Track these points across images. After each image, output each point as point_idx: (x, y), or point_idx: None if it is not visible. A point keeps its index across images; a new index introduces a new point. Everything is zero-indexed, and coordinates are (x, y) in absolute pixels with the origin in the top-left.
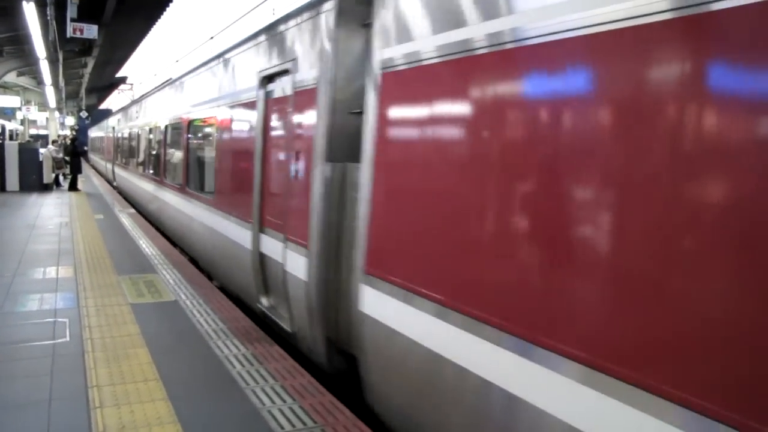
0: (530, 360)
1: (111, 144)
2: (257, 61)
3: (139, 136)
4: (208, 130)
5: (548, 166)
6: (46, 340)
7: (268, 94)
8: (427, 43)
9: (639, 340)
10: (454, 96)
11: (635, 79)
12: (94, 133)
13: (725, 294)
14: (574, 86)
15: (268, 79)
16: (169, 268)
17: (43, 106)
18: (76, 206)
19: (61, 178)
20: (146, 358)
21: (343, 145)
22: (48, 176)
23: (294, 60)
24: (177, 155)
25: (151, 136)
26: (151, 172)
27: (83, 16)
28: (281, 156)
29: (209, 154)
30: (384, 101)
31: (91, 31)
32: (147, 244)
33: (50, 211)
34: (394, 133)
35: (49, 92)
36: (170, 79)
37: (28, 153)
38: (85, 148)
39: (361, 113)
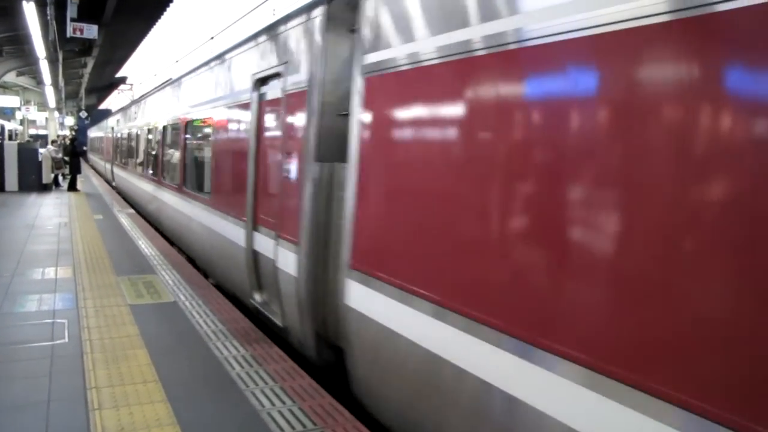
0: (501, 348)
1: (110, 144)
2: (251, 63)
3: (137, 136)
4: (204, 130)
5: (511, 167)
6: (44, 341)
7: (261, 96)
8: (404, 49)
9: (621, 338)
10: (429, 99)
11: (602, 85)
12: (93, 133)
13: (718, 295)
14: (530, 90)
15: (262, 81)
16: (169, 269)
17: (42, 106)
18: (75, 206)
19: (60, 178)
20: (145, 359)
21: (332, 146)
22: (47, 176)
23: (286, 63)
24: (174, 155)
25: (149, 136)
26: (149, 172)
27: (83, 16)
28: (273, 156)
29: (205, 154)
30: (366, 104)
31: (91, 31)
32: (146, 245)
33: (49, 211)
34: (376, 134)
35: (49, 92)
36: (168, 80)
37: (28, 153)
38: (84, 148)
39: (348, 115)
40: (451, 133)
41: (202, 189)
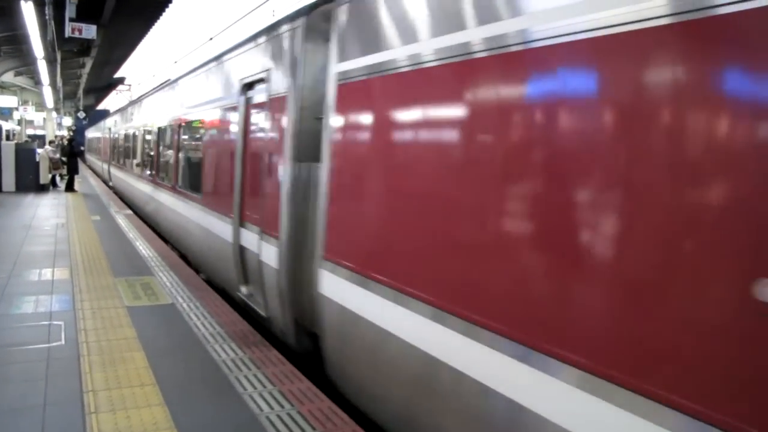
0: (445, 326)
1: (107, 145)
2: (239, 69)
3: (133, 137)
4: (195, 132)
5: (455, 167)
6: (41, 344)
7: (248, 100)
8: (368, 60)
9: (583, 332)
10: (387, 106)
11: (550, 93)
12: (90, 133)
13: (692, 297)
14: (468, 97)
15: (249, 86)
16: (166, 271)
17: (40, 106)
18: (73, 207)
19: (57, 178)
20: (143, 362)
21: (310, 147)
22: (45, 177)
23: (269, 70)
24: (167, 156)
25: (145, 137)
26: (144, 172)
27: (82, 16)
28: (258, 156)
29: (196, 154)
30: (337, 109)
31: (89, 31)
32: (144, 246)
33: (47, 212)
34: (344, 137)
35: (47, 92)
36: (162, 83)
37: (25, 153)
38: (82, 148)
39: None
40: (407, 136)
41: (194, 188)
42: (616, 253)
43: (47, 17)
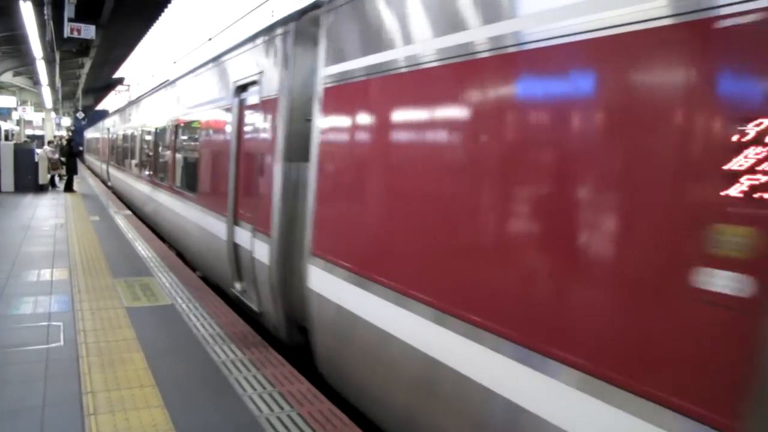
0: (423, 318)
1: (106, 145)
2: (233, 71)
3: (131, 138)
4: (190, 133)
5: (421, 167)
6: (39, 345)
7: (242, 102)
8: (351, 65)
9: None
10: (367, 108)
11: (493, 102)
12: (89, 134)
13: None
14: (434, 102)
15: (242, 88)
16: (165, 271)
17: (39, 106)
18: (72, 207)
19: (56, 179)
20: (142, 363)
21: (300, 147)
22: (44, 177)
23: (261, 72)
24: (165, 156)
25: (142, 138)
26: (142, 172)
27: (81, 16)
28: (251, 156)
29: (191, 155)
30: (324, 111)
31: (88, 31)
32: (143, 247)
33: (45, 212)
34: (330, 137)
35: (46, 93)
36: (159, 85)
37: (24, 154)
38: (81, 148)
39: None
40: (387, 137)
41: (190, 187)
42: (576, 251)
43: (46, 17)
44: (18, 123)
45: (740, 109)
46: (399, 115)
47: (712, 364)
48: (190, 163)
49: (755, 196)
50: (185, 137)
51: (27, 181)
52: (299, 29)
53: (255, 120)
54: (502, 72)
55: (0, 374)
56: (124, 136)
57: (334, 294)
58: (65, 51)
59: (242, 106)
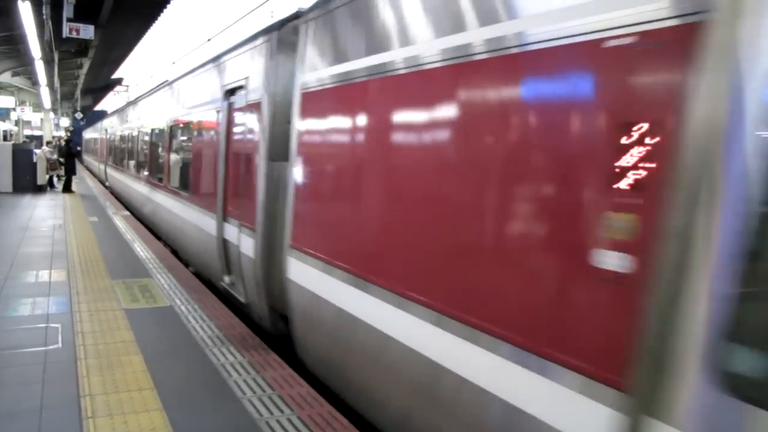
0: (384, 301)
1: (103, 146)
2: (223, 76)
3: (128, 139)
4: (183, 134)
5: (380, 167)
6: (37, 347)
7: (230, 105)
8: (326, 71)
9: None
10: (336, 113)
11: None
12: (87, 134)
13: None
14: (388, 107)
15: (231, 92)
16: (164, 272)
17: (37, 106)
18: (70, 208)
19: (55, 179)
20: (141, 365)
21: (282, 148)
22: (42, 177)
23: (247, 78)
24: (159, 156)
25: (138, 139)
26: (138, 172)
27: (79, 16)
28: (239, 156)
29: (184, 155)
30: (300, 114)
31: (87, 31)
32: (141, 248)
33: (44, 212)
34: (305, 139)
35: (44, 93)
36: (155, 87)
37: (22, 154)
38: (78, 148)
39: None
40: (352, 139)
41: (182, 186)
42: (501, 238)
43: (44, 17)
44: (16, 123)
45: (626, 115)
46: (363, 119)
47: (606, 332)
48: (183, 163)
49: (638, 187)
50: (178, 138)
51: (25, 181)
52: (281, 38)
53: (242, 122)
54: (434, 81)
55: None
56: (121, 137)
57: (309, 283)
58: (64, 51)
59: (231, 109)
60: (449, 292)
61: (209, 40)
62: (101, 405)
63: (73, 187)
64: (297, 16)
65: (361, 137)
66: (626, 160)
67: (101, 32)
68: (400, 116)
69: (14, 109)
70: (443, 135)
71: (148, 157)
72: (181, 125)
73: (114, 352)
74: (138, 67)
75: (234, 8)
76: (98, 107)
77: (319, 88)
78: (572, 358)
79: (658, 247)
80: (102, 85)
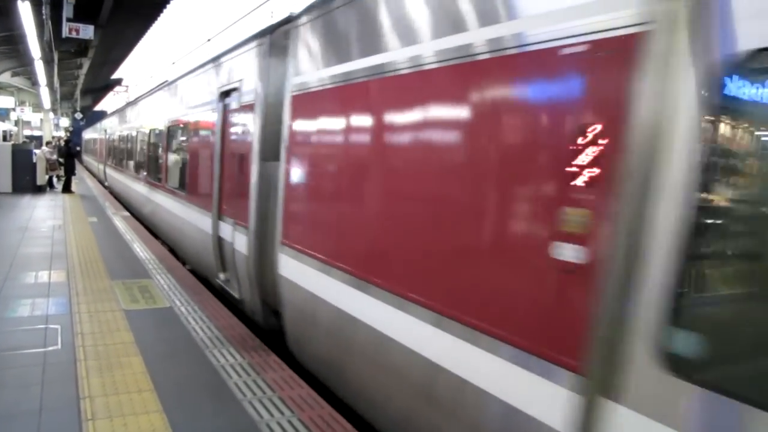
0: (369, 295)
1: (102, 147)
2: (218, 78)
3: (126, 139)
4: (180, 135)
5: (364, 165)
6: (37, 348)
7: (225, 107)
8: (313, 75)
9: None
10: (326, 114)
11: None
12: (87, 135)
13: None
14: (364, 111)
15: (226, 94)
16: (164, 273)
17: (37, 107)
18: (70, 209)
19: (54, 180)
20: (140, 367)
21: (273, 148)
22: (41, 178)
23: (241, 80)
24: (158, 156)
25: (137, 139)
26: (136, 172)
27: (79, 16)
28: (233, 156)
29: (180, 155)
30: (291, 116)
31: (87, 31)
32: (141, 248)
33: (43, 213)
34: (295, 139)
35: (44, 93)
36: (152, 89)
37: (22, 154)
38: (78, 148)
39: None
40: (335, 139)
41: (179, 185)
42: (467, 228)
43: (44, 17)
44: (16, 123)
45: (582, 118)
46: (344, 121)
47: (563, 319)
48: (180, 162)
49: (592, 185)
50: (175, 139)
51: (25, 182)
52: (273, 42)
53: (236, 123)
54: (404, 86)
55: None
56: (120, 138)
57: (299, 278)
58: (64, 51)
59: (226, 111)
60: (416, 279)
61: (209, 40)
62: (101, 407)
63: (73, 187)
64: (288, 20)
65: (342, 138)
66: (582, 159)
67: (101, 32)
68: (376, 119)
69: (14, 110)
70: (413, 137)
71: (146, 157)
72: (179, 126)
73: (114, 353)
74: (138, 68)
75: (234, 8)
76: (98, 107)
77: (307, 90)
78: (533, 343)
79: (610, 239)
80: (102, 85)
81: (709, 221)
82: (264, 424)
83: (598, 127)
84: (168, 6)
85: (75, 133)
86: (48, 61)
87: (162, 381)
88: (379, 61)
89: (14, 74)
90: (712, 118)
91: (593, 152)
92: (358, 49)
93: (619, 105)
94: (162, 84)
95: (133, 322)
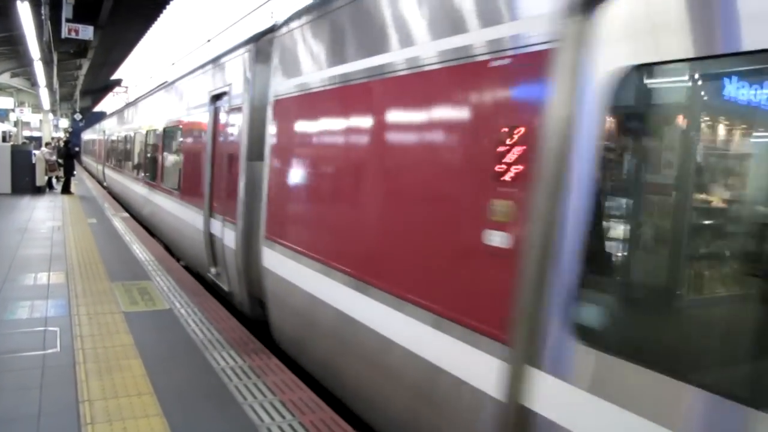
0: (341, 282)
1: (101, 147)
2: (209, 83)
3: (124, 140)
4: (174, 136)
5: (334, 165)
6: (36, 351)
7: (216, 110)
8: (292, 81)
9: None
10: (302, 118)
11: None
12: (86, 136)
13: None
14: (336, 115)
15: (217, 97)
16: (163, 275)
17: (36, 107)
18: (69, 210)
19: (54, 181)
20: (140, 370)
21: (258, 149)
22: (41, 179)
23: (230, 85)
24: (153, 157)
25: (136, 140)
26: (133, 172)
27: (78, 17)
28: (223, 156)
29: (175, 155)
30: (273, 119)
31: (86, 32)
32: (140, 250)
33: (42, 214)
34: (276, 141)
35: (43, 94)
36: (148, 92)
37: (21, 155)
38: (77, 149)
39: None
40: (310, 141)
41: (174, 184)
42: (415, 225)
43: (43, 18)
44: (15, 124)
45: (510, 120)
46: (317, 125)
47: (493, 297)
48: (174, 163)
49: (517, 180)
50: (169, 140)
51: (24, 183)
52: (258, 49)
53: (226, 125)
54: (358, 95)
55: None
56: (118, 139)
57: (279, 269)
58: (63, 52)
59: (216, 113)
60: (375, 266)
61: (209, 41)
62: (100, 410)
63: (72, 188)
64: (272, 29)
65: (314, 140)
66: (509, 158)
67: (100, 33)
68: (344, 123)
69: (13, 110)
70: (368, 140)
71: (142, 157)
72: (173, 127)
73: (113, 356)
74: (137, 68)
75: (234, 8)
76: (97, 108)
77: (287, 96)
78: (468, 318)
79: (529, 227)
80: (101, 86)
81: (607, 211)
82: (265, 428)
83: (521, 130)
84: (168, 7)
85: (74, 134)
86: (47, 62)
87: (162, 384)
88: (342, 71)
89: (13, 75)
90: (605, 122)
91: (517, 151)
92: (327, 59)
93: (535, 110)
94: (157, 87)
95: (133, 324)
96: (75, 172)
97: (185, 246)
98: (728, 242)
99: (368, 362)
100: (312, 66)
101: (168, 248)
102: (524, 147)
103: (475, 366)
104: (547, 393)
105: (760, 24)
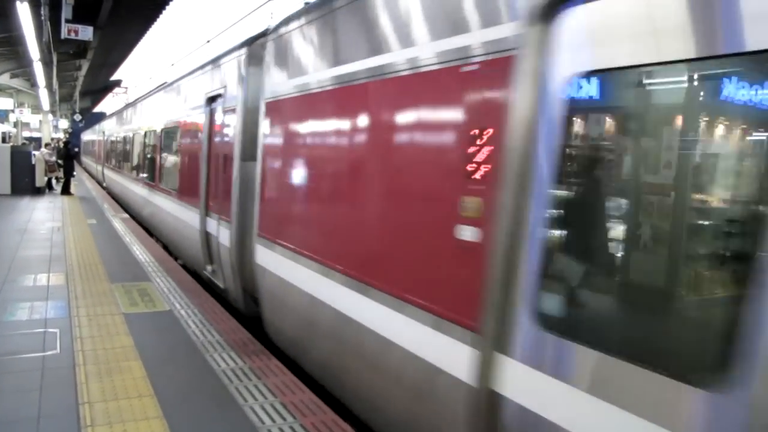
0: (327, 277)
1: (101, 148)
2: (205, 85)
3: (123, 141)
4: (171, 137)
5: (319, 166)
6: (35, 352)
7: (211, 111)
8: (283, 84)
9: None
10: (292, 119)
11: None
12: (86, 136)
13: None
14: (322, 117)
15: (212, 99)
16: (163, 276)
17: (36, 108)
18: (69, 210)
19: (53, 181)
20: (140, 371)
21: (251, 150)
22: (40, 180)
23: (224, 87)
24: (152, 157)
25: (135, 141)
26: (133, 173)
27: (78, 18)
28: (218, 156)
29: (172, 156)
30: (265, 120)
31: (86, 32)
32: (140, 251)
33: (42, 215)
34: (267, 141)
35: (43, 95)
36: (146, 93)
37: (21, 156)
38: (76, 149)
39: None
40: (301, 142)
41: (171, 184)
42: (390, 214)
43: (43, 18)
44: (15, 125)
45: (479, 122)
46: (304, 126)
47: (464, 287)
48: (171, 163)
49: (485, 178)
50: (167, 140)
51: (24, 183)
52: (251, 52)
53: (221, 127)
54: (345, 97)
55: None
56: (117, 140)
57: (272, 265)
58: (62, 53)
59: (212, 115)
60: (357, 261)
61: (209, 41)
62: (100, 413)
63: (72, 189)
64: (265, 33)
65: (302, 141)
66: (479, 157)
67: (100, 34)
68: (330, 125)
69: (13, 111)
70: (350, 141)
71: (141, 158)
72: (171, 128)
73: (113, 357)
74: (137, 69)
75: (234, 9)
76: (97, 109)
77: (277, 98)
78: (440, 307)
79: (497, 222)
80: (101, 86)
81: (567, 207)
82: (265, 430)
83: (490, 131)
84: (167, 7)
85: (74, 134)
86: (47, 63)
87: (162, 386)
88: (325, 76)
89: (13, 76)
90: (564, 124)
91: (486, 151)
92: (312, 63)
93: (503, 112)
94: (156, 88)
95: (133, 325)
96: (75, 173)
97: (183, 245)
98: (665, 234)
99: (345, 347)
100: (300, 69)
101: (166, 248)
102: (492, 147)
103: (448, 354)
104: (514, 377)
105: (687, 37)
